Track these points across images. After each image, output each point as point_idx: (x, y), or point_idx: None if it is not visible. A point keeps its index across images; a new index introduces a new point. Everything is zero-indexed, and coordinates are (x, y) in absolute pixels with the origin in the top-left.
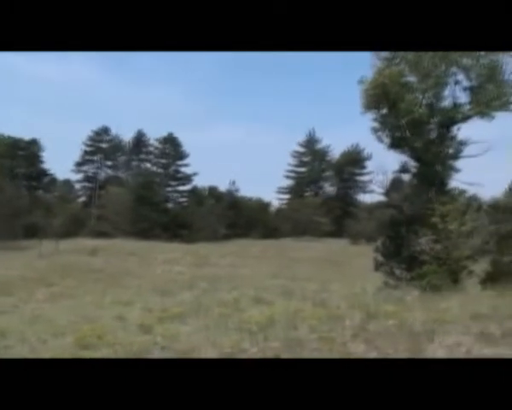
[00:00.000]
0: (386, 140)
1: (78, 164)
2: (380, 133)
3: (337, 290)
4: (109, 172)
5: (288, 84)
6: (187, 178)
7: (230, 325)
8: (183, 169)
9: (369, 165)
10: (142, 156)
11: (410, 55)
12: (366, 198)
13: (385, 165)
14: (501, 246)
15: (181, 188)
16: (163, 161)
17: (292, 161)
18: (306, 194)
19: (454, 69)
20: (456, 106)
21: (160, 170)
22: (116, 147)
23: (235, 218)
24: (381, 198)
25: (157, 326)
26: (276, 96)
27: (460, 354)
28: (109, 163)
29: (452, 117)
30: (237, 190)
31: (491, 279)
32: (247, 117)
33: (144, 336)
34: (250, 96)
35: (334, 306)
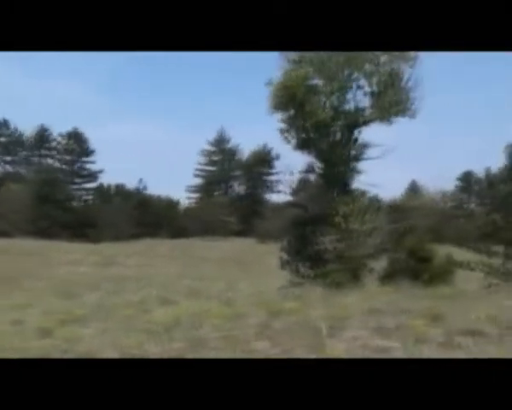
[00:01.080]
0: (293, 141)
1: None
2: (287, 134)
3: (243, 289)
4: (8, 167)
5: (198, 82)
6: (93, 176)
7: (135, 327)
8: (88, 166)
9: (278, 165)
10: (45, 152)
11: (316, 58)
12: (274, 198)
13: (292, 165)
14: (397, 244)
15: (87, 185)
16: (67, 157)
17: (202, 159)
18: (216, 193)
19: (357, 74)
20: (358, 110)
21: (64, 166)
22: (16, 142)
23: (143, 216)
24: (289, 198)
25: (57, 330)
26: (186, 94)
27: (356, 347)
28: (8, 158)
29: (355, 120)
30: (145, 188)
31: (388, 276)
32: (157, 114)
33: (43, 340)
34: (159, 93)
35: (239, 304)
